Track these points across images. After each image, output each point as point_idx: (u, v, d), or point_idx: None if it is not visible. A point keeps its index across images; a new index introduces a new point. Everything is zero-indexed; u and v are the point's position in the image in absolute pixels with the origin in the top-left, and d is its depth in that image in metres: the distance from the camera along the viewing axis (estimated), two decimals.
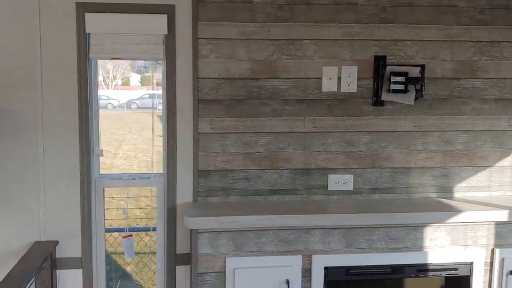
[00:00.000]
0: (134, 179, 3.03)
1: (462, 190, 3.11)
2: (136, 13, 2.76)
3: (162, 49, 2.82)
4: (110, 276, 3.42)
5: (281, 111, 2.93)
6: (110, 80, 17.04)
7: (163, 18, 2.77)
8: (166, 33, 2.79)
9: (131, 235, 3.02)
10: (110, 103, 15.06)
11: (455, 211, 2.77)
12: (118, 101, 15.87)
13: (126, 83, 18.87)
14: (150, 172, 3.02)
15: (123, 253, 3.07)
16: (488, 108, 3.05)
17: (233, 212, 2.73)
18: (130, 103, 16.27)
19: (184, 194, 2.94)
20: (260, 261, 2.72)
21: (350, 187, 3.03)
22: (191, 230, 2.72)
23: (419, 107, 3.00)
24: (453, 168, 3.08)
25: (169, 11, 2.79)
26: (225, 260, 2.70)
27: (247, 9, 2.83)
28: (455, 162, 3.07)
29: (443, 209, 2.83)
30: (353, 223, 2.73)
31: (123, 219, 3.15)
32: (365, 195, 3.05)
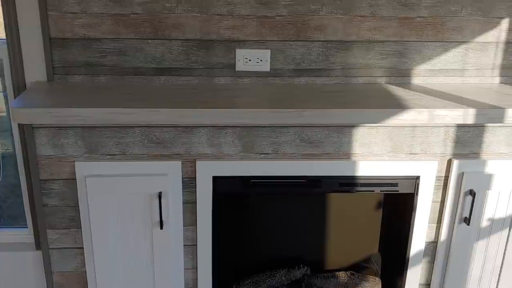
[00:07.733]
0: None
1: (424, 75, 2.24)
2: None
3: None
4: None
5: None
6: None
7: None
8: None
9: None
10: None
11: (400, 107, 1.93)
12: None
13: None
14: None
15: None
16: None
17: (91, 98, 1.95)
18: None
19: (36, 70, 2.15)
20: (123, 168, 2.00)
21: (266, 67, 2.19)
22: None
23: None
24: (412, 43, 2.18)
25: None
26: (74, 165, 2.00)
27: None
28: (415, 34, 2.17)
29: (384, 103, 1.99)
30: (247, 121, 1.93)
31: None
32: (287, 79, 2.22)
